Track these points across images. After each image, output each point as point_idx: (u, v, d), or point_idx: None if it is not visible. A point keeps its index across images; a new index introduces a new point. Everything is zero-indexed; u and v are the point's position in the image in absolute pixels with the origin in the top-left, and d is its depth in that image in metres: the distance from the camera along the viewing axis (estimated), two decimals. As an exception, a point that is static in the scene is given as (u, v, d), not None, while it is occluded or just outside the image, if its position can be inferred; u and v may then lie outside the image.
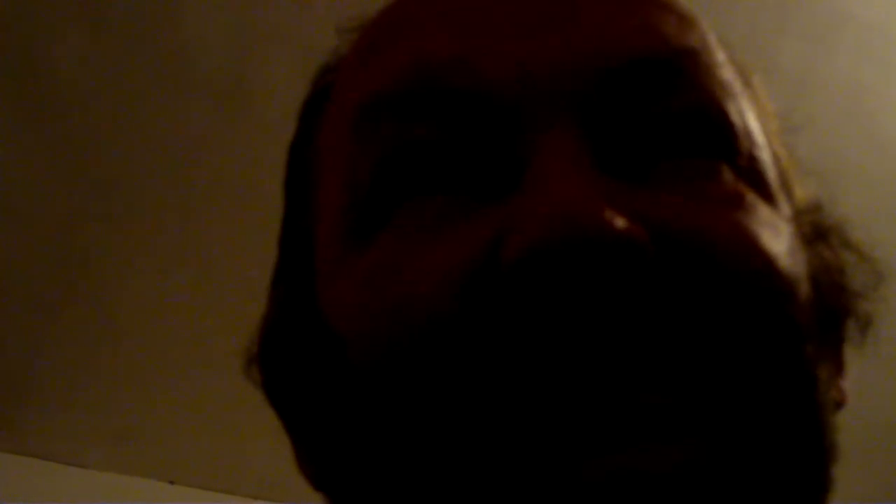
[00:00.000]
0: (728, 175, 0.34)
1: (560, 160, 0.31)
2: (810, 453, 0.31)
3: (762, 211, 0.33)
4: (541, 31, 0.34)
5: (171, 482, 2.22)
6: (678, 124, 0.34)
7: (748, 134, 0.35)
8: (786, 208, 0.36)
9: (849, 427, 0.36)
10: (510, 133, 0.33)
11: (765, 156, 0.36)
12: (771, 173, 0.36)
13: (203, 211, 1.70)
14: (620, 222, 0.28)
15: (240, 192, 1.65)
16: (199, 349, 1.91)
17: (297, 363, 0.39)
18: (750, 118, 0.36)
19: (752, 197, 0.33)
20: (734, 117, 0.35)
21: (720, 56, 0.36)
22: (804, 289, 0.33)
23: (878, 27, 1.55)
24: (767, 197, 0.35)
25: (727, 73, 0.36)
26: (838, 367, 0.38)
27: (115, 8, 1.43)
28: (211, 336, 1.85)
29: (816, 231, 0.39)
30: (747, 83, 0.38)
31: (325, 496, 0.38)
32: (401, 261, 0.32)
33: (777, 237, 0.33)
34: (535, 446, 0.28)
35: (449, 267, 0.31)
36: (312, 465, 0.40)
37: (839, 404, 0.37)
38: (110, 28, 1.45)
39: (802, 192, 0.39)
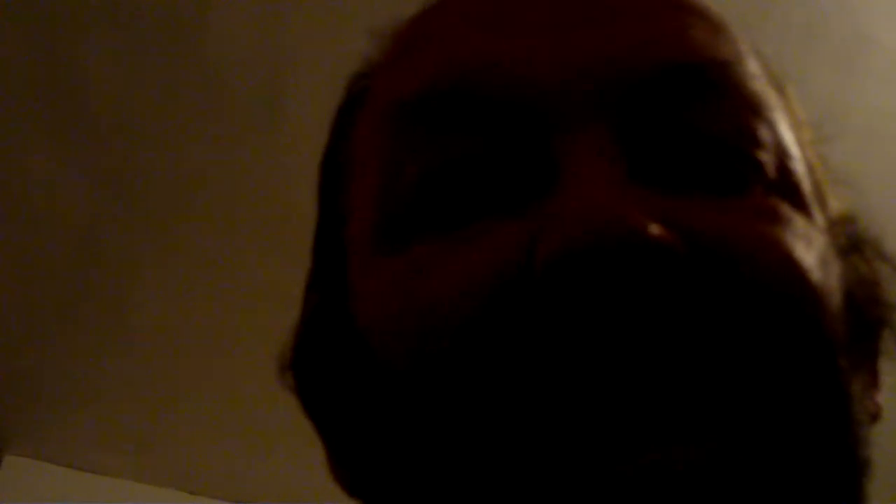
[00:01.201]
0: (759, 187, 0.33)
1: (593, 165, 0.31)
2: (842, 466, 0.31)
3: (795, 222, 0.33)
4: (575, 35, 0.34)
5: (192, 493, 2.22)
6: (709, 136, 0.33)
7: (781, 146, 0.35)
8: (820, 219, 0.35)
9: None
10: (543, 137, 0.33)
11: (798, 167, 0.36)
12: (804, 184, 0.35)
13: (224, 220, 1.71)
14: (654, 228, 0.28)
15: (262, 202, 1.66)
16: (220, 358, 1.92)
17: (330, 369, 0.39)
18: (783, 129, 0.36)
19: (784, 208, 0.33)
20: (766, 130, 0.35)
21: (753, 67, 0.36)
22: (837, 300, 0.32)
23: (903, 53, 1.55)
24: (801, 208, 0.34)
25: (760, 85, 0.36)
26: (873, 380, 0.38)
27: (145, 16, 1.44)
28: (232, 345, 1.85)
29: (851, 243, 0.38)
30: (781, 93, 0.38)
31: (359, 502, 0.38)
32: (433, 265, 0.32)
33: (809, 248, 0.32)
34: (569, 447, 0.28)
35: (481, 270, 0.31)
36: (346, 470, 0.40)
37: (874, 417, 0.37)
38: (140, 35, 1.46)
39: (837, 203, 0.39)
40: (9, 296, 1.83)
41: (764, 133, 0.35)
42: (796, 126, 0.38)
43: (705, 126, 0.33)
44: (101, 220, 1.71)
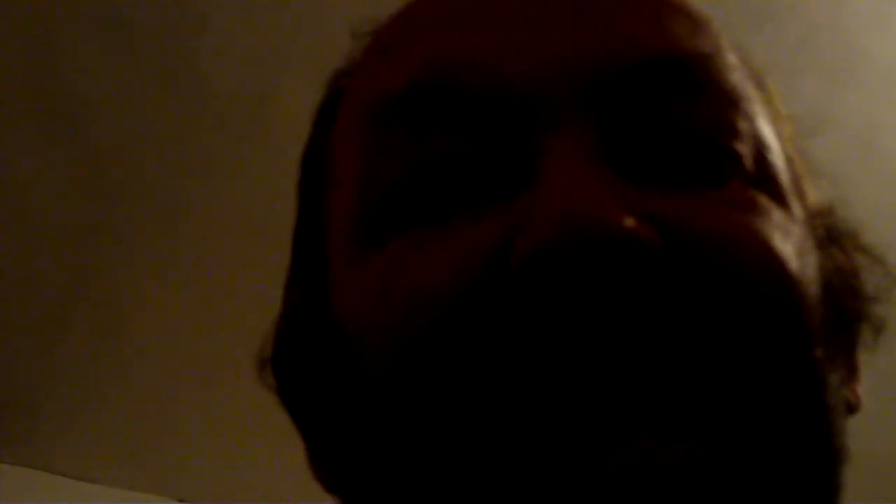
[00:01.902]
0: (737, 179, 0.34)
1: (571, 160, 0.31)
2: (818, 454, 0.31)
3: (772, 213, 0.33)
4: (554, 30, 0.34)
5: (180, 500, 2.21)
6: (688, 128, 0.34)
7: (759, 138, 0.35)
8: (798, 211, 0.36)
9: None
10: (523, 132, 0.33)
11: (776, 159, 0.36)
12: (782, 176, 0.36)
13: (217, 229, 1.71)
14: (629, 221, 0.28)
15: (255, 212, 1.66)
16: (210, 367, 1.91)
17: (310, 365, 0.39)
18: (761, 122, 0.36)
19: (762, 200, 0.33)
20: (744, 122, 0.35)
21: (732, 60, 0.36)
22: (814, 291, 0.33)
23: (893, 67, 1.56)
24: (778, 199, 0.34)
25: (739, 78, 0.36)
26: (852, 372, 0.38)
27: (136, 25, 1.45)
28: (222, 354, 1.85)
29: (830, 234, 0.38)
30: (760, 86, 0.38)
31: (337, 499, 0.38)
32: (411, 260, 0.33)
33: (787, 239, 0.33)
34: (547, 440, 0.28)
35: (459, 265, 0.31)
36: (325, 467, 0.40)
37: (853, 408, 0.37)
38: (131, 45, 1.46)
39: (815, 196, 0.39)
40: (2, 306, 1.83)
41: (742, 125, 0.35)
42: (776, 119, 0.38)
43: (684, 118, 0.34)
44: (95, 230, 1.71)
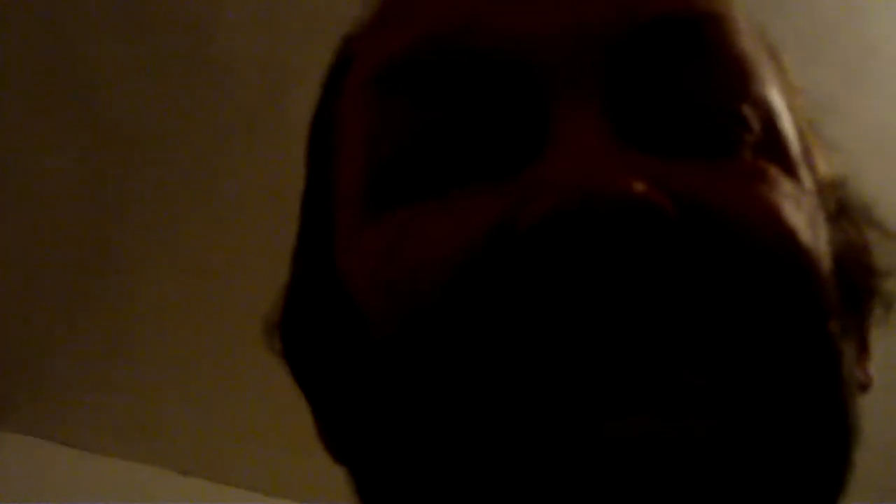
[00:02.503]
0: (748, 148, 0.33)
1: (581, 126, 0.30)
2: (832, 430, 0.31)
3: (783, 184, 0.33)
4: None
5: (184, 473, 2.22)
6: (699, 91, 0.33)
7: (769, 104, 0.35)
8: (809, 182, 0.35)
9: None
10: (532, 98, 0.32)
11: (786, 128, 0.35)
12: (793, 147, 0.35)
13: (229, 218, 1.71)
14: (641, 186, 0.28)
15: (265, 203, 1.66)
16: (220, 342, 1.92)
17: (317, 332, 0.38)
18: (772, 89, 0.35)
19: (773, 170, 0.33)
20: (755, 86, 0.34)
21: (744, 24, 0.36)
22: (826, 262, 0.32)
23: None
24: (789, 170, 0.34)
25: (750, 42, 0.36)
26: (863, 349, 0.38)
27: (155, 17, 1.44)
28: (230, 328, 1.85)
29: (841, 208, 0.38)
30: (772, 56, 0.38)
31: (345, 467, 0.38)
32: (418, 227, 0.32)
33: (799, 210, 0.32)
34: (553, 408, 0.28)
35: (468, 231, 0.31)
36: (333, 437, 0.40)
37: (864, 387, 0.37)
38: (148, 35, 1.46)
39: (826, 168, 0.39)
40: (13, 277, 1.84)
41: (752, 88, 0.34)
42: (788, 91, 0.38)
43: (694, 79, 0.33)
44: (106, 209, 1.72)
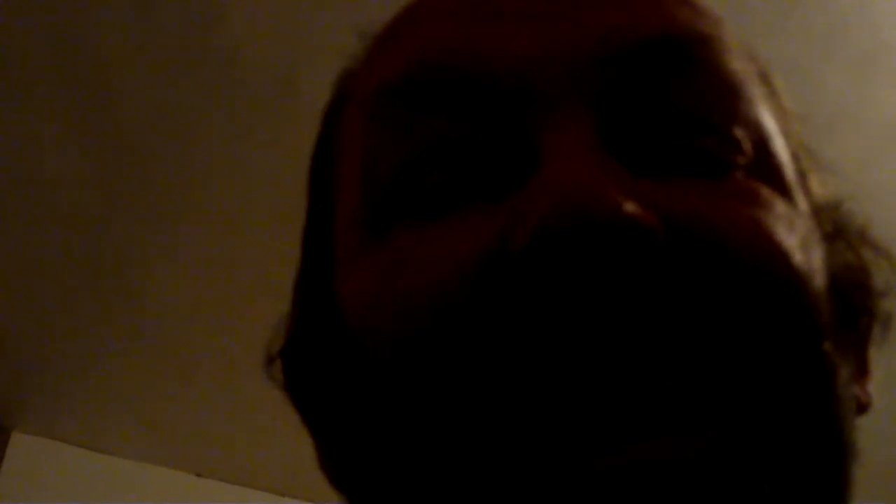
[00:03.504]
0: (740, 169, 0.33)
1: (571, 147, 0.31)
2: (827, 449, 0.31)
3: (776, 205, 0.33)
4: (553, 17, 0.34)
5: (198, 474, 2.23)
6: (688, 112, 0.33)
7: (760, 125, 0.35)
8: (803, 204, 0.35)
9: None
10: (523, 119, 0.33)
11: (778, 150, 0.35)
12: (786, 168, 0.35)
13: (238, 208, 1.71)
14: (630, 206, 0.28)
15: (276, 190, 1.66)
16: (231, 341, 1.92)
17: (317, 361, 0.39)
18: (762, 110, 0.36)
19: (765, 191, 0.33)
20: (744, 107, 0.34)
21: (734, 45, 0.36)
22: (819, 283, 0.32)
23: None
24: (782, 191, 0.34)
25: (740, 63, 0.36)
26: (862, 368, 0.38)
27: (162, 4, 1.44)
28: (245, 328, 1.85)
29: (837, 229, 0.38)
30: (764, 80, 0.38)
31: (344, 496, 0.38)
32: (415, 252, 0.32)
33: (791, 231, 0.32)
34: (552, 435, 0.28)
35: (462, 254, 0.31)
36: (334, 465, 0.40)
37: (863, 406, 0.37)
38: (160, 24, 1.46)
39: (821, 189, 0.39)
40: (22, 275, 1.84)
41: (742, 109, 0.34)
42: (781, 114, 0.38)
43: (684, 101, 0.33)
44: (115, 203, 1.71)
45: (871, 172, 1.65)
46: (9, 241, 1.78)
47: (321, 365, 0.38)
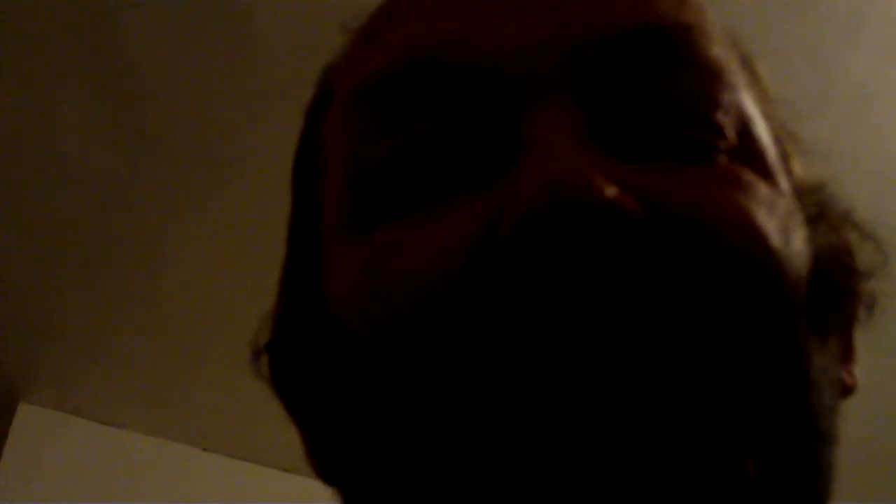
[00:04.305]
0: (722, 153, 0.34)
1: (554, 134, 0.31)
2: (799, 432, 0.31)
3: (758, 188, 0.33)
4: (536, 7, 0.35)
5: (205, 449, 2.24)
6: (671, 99, 0.34)
7: (742, 110, 0.35)
8: (785, 187, 0.36)
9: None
10: (508, 109, 0.33)
11: (761, 134, 0.36)
12: (768, 152, 0.36)
13: (256, 179, 1.70)
14: (611, 191, 0.28)
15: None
16: (243, 317, 1.92)
17: (304, 355, 0.39)
18: (744, 96, 0.36)
19: (747, 174, 0.33)
20: (726, 93, 0.35)
21: (716, 33, 0.37)
22: (798, 265, 0.32)
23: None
24: (765, 174, 0.34)
25: (722, 50, 0.36)
26: (846, 351, 0.38)
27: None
28: (256, 305, 1.86)
29: (821, 212, 0.38)
30: (746, 66, 0.39)
31: (335, 488, 0.38)
32: (402, 242, 0.33)
33: (772, 214, 0.32)
34: (539, 421, 0.28)
35: (449, 242, 0.31)
36: (322, 459, 0.40)
37: (848, 390, 0.37)
38: (185, 3, 1.46)
39: (804, 173, 0.39)
40: (36, 245, 1.84)
41: (724, 96, 0.35)
42: (763, 99, 0.38)
43: (665, 88, 0.34)
44: (134, 175, 1.71)
45: (889, 154, 1.63)
46: (24, 212, 1.78)
47: (307, 358, 0.38)
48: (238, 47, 1.53)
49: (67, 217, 1.79)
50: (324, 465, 0.40)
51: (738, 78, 0.36)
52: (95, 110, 1.61)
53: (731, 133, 0.34)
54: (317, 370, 0.37)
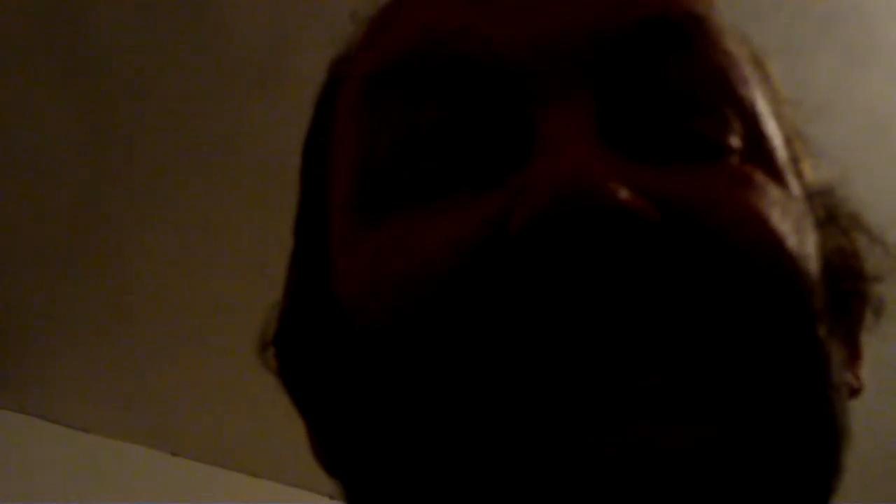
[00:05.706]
0: (735, 152, 0.34)
1: (568, 129, 0.31)
2: (821, 433, 0.31)
3: (769, 189, 0.33)
4: (552, 5, 0.34)
5: (174, 454, 2.22)
6: (686, 93, 0.34)
7: (754, 107, 0.35)
8: (796, 188, 0.35)
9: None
10: (519, 102, 0.33)
11: (772, 132, 0.36)
12: (779, 152, 0.35)
13: (226, 181, 1.70)
14: (624, 193, 0.28)
15: (265, 163, 1.66)
16: (213, 320, 1.92)
17: (311, 348, 0.39)
18: (756, 93, 0.36)
19: (759, 175, 0.33)
20: (740, 87, 0.35)
21: (727, 26, 0.37)
22: (813, 267, 0.32)
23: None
24: (775, 175, 0.34)
25: (733, 43, 0.36)
26: (854, 354, 0.38)
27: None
28: (225, 306, 1.85)
29: (830, 214, 0.38)
30: (757, 63, 0.38)
31: (337, 482, 0.38)
32: (412, 233, 0.33)
33: (785, 216, 0.32)
34: (545, 416, 0.28)
35: (460, 235, 0.31)
36: (327, 450, 0.40)
37: (855, 391, 0.37)
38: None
39: (813, 175, 0.39)
40: (3, 247, 1.82)
41: (738, 89, 0.35)
42: (774, 98, 0.38)
43: (681, 82, 0.34)
44: (101, 174, 1.70)
45: (858, 159, 1.65)
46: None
47: (315, 350, 0.38)
48: (209, 41, 1.52)
49: (33, 217, 1.77)
50: (329, 458, 0.40)
51: (749, 74, 0.36)
52: (61, 106, 1.60)
53: (742, 129, 0.34)
54: (324, 361, 0.37)
